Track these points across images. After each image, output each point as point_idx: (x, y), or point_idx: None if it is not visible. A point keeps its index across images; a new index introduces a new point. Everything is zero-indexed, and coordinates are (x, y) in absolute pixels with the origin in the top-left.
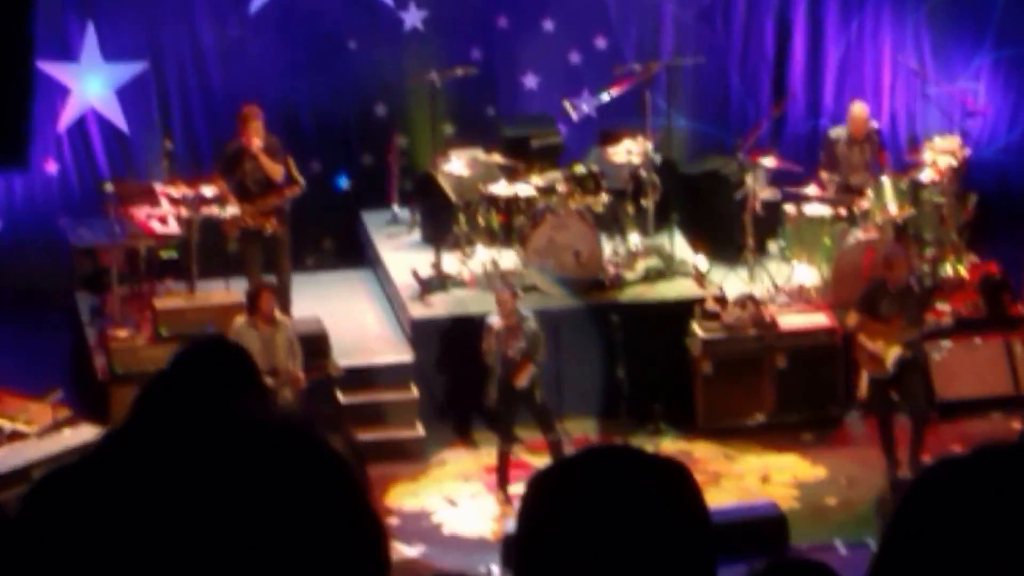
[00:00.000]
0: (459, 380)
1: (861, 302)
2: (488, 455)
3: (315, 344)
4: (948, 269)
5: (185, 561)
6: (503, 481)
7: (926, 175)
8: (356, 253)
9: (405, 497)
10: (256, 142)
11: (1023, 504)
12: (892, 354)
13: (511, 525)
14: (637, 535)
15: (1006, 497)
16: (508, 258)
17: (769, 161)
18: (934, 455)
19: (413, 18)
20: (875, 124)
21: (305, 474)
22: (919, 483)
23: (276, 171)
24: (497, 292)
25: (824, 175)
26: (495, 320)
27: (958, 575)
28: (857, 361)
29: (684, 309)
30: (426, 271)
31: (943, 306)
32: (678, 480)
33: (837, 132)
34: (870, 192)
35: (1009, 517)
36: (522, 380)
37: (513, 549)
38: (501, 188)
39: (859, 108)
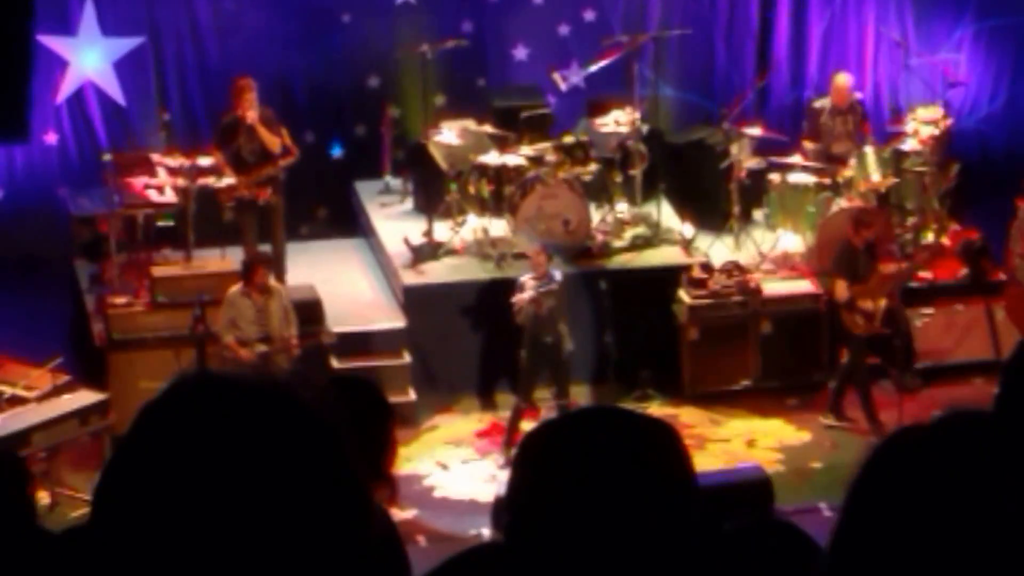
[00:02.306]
0: (451, 346)
1: (842, 270)
2: (479, 420)
3: (309, 311)
4: (930, 237)
5: (165, 515)
6: (510, 441)
7: (909, 145)
8: (349, 222)
9: (398, 461)
10: (251, 114)
11: (984, 473)
12: (881, 308)
13: (501, 489)
14: (626, 494)
15: (967, 465)
16: (498, 226)
17: (754, 131)
18: (916, 420)
19: None
20: (858, 95)
21: (286, 433)
22: (879, 450)
23: (274, 143)
24: (532, 252)
25: (807, 144)
26: (527, 279)
27: (917, 543)
28: (847, 327)
29: (671, 276)
30: (418, 239)
31: (925, 273)
32: (666, 440)
33: (821, 103)
34: (853, 161)
35: (969, 485)
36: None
37: (503, 511)
38: (492, 158)
39: (842, 79)
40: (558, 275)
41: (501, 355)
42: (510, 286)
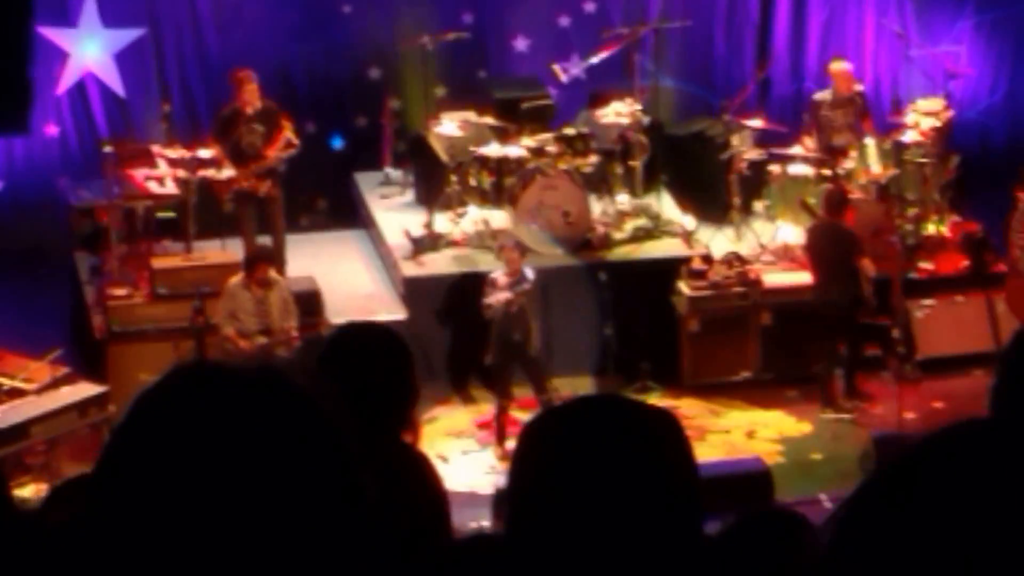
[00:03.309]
0: (451, 338)
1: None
2: (479, 412)
3: (309, 303)
4: (931, 228)
5: (160, 503)
6: (501, 437)
7: (909, 137)
8: (350, 213)
9: None
10: (252, 106)
11: (994, 488)
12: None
13: (502, 480)
14: (626, 483)
15: (979, 481)
16: (499, 218)
17: (755, 122)
18: (916, 412)
19: None
20: (861, 87)
21: (283, 421)
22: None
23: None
24: (505, 248)
25: (807, 140)
26: (499, 276)
27: (922, 532)
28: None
29: (671, 268)
30: (418, 231)
31: (926, 264)
32: (666, 429)
33: (822, 95)
34: (854, 153)
35: (985, 502)
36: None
37: (504, 502)
38: (492, 149)
39: (840, 65)
40: (531, 274)
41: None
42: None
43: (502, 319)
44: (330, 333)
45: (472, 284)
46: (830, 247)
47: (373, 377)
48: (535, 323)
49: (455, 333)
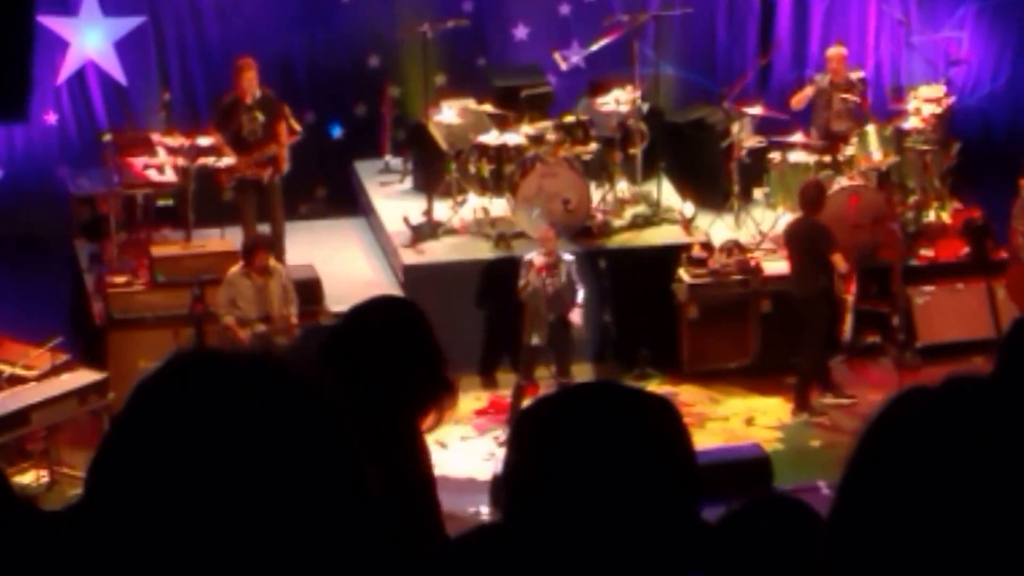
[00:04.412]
0: (450, 325)
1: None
2: (477, 399)
3: (308, 290)
4: (931, 215)
5: (159, 491)
6: (514, 418)
7: (910, 123)
8: (349, 201)
9: None
10: (251, 94)
11: (985, 443)
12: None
13: (500, 466)
14: (623, 469)
15: (968, 434)
16: (498, 206)
17: (755, 110)
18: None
19: None
20: (861, 73)
21: (282, 409)
22: (883, 415)
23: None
24: (542, 229)
25: (797, 96)
26: (536, 257)
27: (920, 509)
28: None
29: (671, 255)
30: (418, 219)
31: (926, 251)
32: (663, 416)
33: (820, 79)
34: (855, 140)
35: (974, 452)
36: (576, 317)
37: (502, 488)
38: (492, 137)
39: (836, 50)
40: (568, 256)
41: (501, 334)
42: (510, 265)
43: (536, 300)
44: (357, 305)
45: (503, 269)
46: (805, 241)
47: (391, 353)
48: (573, 305)
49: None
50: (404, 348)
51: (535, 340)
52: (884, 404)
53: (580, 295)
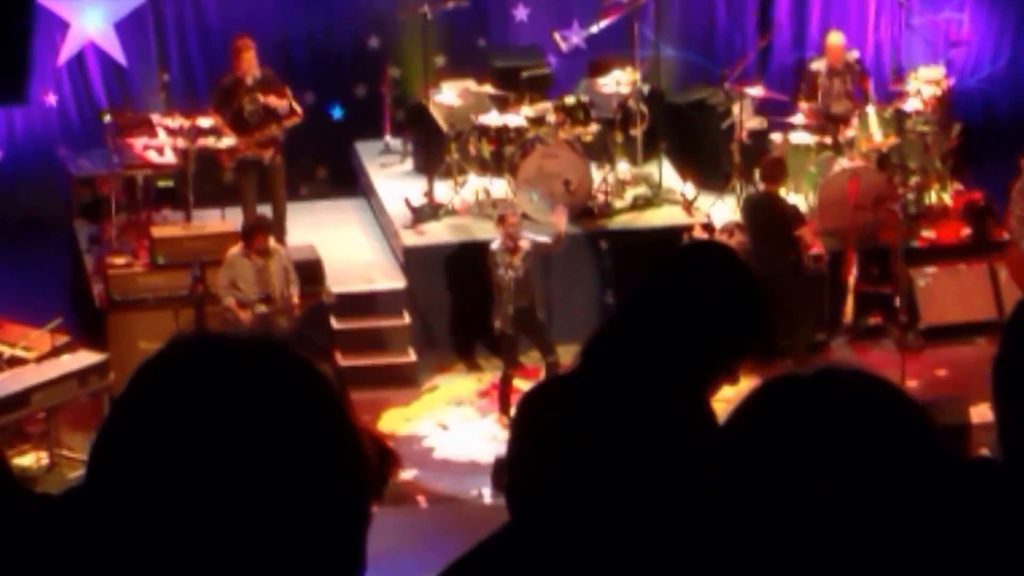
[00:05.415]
0: (451, 306)
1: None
2: (479, 380)
3: (309, 271)
4: (932, 197)
5: (160, 474)
6: (505, 405)
7: (911, 105)
8: (350, 182)
9: (398, 422)
10: (251, 75)
11: (853, 432)
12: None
13: (502, 449)
14: (624, 451)
15: (822, 428)
16: (499, 187)
17: (755, 91)
18: (919, 380)
19: None
20: (856, 54)
21: (283, 392)
22: (746, 401)
23: (282, 105)
24: (505, 213)
25: (804, 105)
26: (495, 244)
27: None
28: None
29: (672, 236)
30: (418, 200)
31: (927, 233)
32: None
33: (817, 64)
34: (855, 121)
35: (820, 449)
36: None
37: (504, 471)
38: (492, 118)
39: (835, 37)
40: (529, 236)
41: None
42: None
43: (508, 286)
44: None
45: (465, 254)
46: (767, 216)
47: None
48: (538, 290)
49: (448, 303)
50: (732, 300)
51: (497, 324)
52: (752, 390)
53: (540, 238)
